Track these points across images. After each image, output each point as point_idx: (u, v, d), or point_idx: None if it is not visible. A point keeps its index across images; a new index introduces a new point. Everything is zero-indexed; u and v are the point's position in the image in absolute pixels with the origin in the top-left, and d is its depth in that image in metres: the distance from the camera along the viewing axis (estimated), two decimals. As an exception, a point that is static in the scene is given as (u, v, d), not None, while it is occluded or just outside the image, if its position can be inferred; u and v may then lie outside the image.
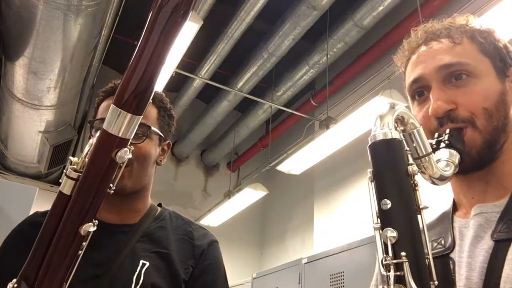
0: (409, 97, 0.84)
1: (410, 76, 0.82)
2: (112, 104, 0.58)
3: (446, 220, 0.80)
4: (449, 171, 0.69)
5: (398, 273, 0.55)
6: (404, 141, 0.63)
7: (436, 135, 0.74)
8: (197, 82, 5.06)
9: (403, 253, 0.56)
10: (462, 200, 0.80)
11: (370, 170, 0.62)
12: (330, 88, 4.85)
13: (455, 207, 0.82)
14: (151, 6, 0.56)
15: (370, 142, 0.63)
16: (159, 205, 1.20)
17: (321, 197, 5.25)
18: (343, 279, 3.05)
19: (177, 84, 5.31)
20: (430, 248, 0.60)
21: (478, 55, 0.77)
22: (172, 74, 3.44)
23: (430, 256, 0.58)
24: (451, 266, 0.73)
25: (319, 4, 3.98)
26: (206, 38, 4.12)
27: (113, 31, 4.01)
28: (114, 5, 3.39)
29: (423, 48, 0.81)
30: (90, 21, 3.15)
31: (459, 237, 0.75)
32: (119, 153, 0.60)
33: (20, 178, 5.42)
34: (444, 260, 0.74)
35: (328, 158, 4.38)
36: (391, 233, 0.57)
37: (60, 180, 0.65)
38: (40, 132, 4.42)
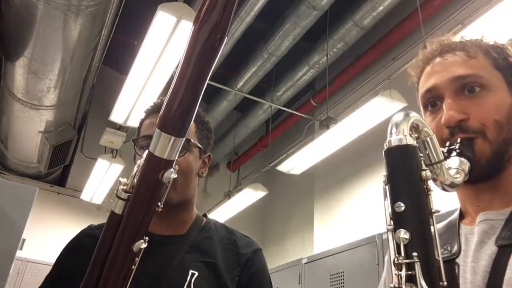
0: (421, 107, 0.86)
1: (424, 85, 0.84)
2: (156, 128, 0.63)
3: (453, 227, 0.83)
4: (459, 178, 0.72)
5: (410, 272, 0.58)
6: (418, 148, 0.66)
7: (447, 143, 0.76)
8: (197, 82, 5.06)
9: (414, 254, 0.58)
10: (468, 208, 0.82)
11: (384, 174, 0.65)
12: (330, 88, 4.85)
13: (461, 216, 0.84)
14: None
15: (385, 148, 0.65)
16: (204, 215, 1.24)
17: (321, 197, 5.25)
18: (343, 279, 3.06)
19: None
20: (440, 250, 0.62)
21: (491, 69, 0.79)
22: (172, 74, 3.44)
23: (440, 258, 0.61)
24: (456, 270, 0.75)
25: (319, 4, 3.98)
26: (206, 38, 4.12)
27: (113, 31, 4.01)
28: (114, 5, 3.39)
29: (438, 59, 0.83)
30: (90, 21, 3.15)
31: (465, 243, 0.77)
32: (165, 174, 0.65)
33: (20, 178, 5.42)
34: (450, 264, 0.76)
35: (328, 158, 4.38)
36: (404, 234, 0.59)
37: (112, 200, 0.71)
38: (40, 132, 4.42)
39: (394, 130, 0.65)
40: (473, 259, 0.73)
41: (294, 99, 5.52)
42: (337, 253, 3.21)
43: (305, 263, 3.52)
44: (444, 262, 0.76)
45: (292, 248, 5.88)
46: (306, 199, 5.63)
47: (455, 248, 0.78)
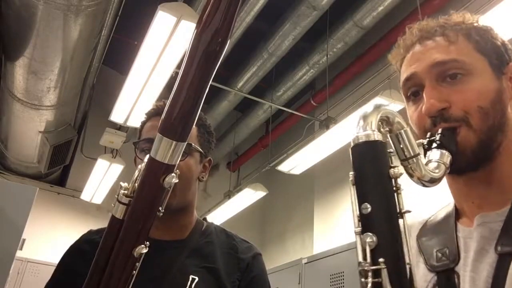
0: (404, 97, 0.82)
1: (403, 74, 0.80)
2: (158, 133, 0.62)
3: (449, 228, 0.77)
4: (440, 172, 0.66)
5: (376, 280, 0.53)
6: (387, 143, 0.61)
7: (428, 134, 0.72)
8: (197, 82, 5.06)
9: (381, 259, 0.53)
10: (463, 205, 0.77)
11: (351, 173, 0.60)
12: (330, 88, 4.85)
13: (457, 213, 0.78)
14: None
15: (352, 145, 0.61)
16: (204, 219, 1.25)
17: (321, 197, 5.25)
18: (343, 279, 3.05)
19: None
20: (411, 254, 0.57)
21: (474, 52, 0.75)
22: (172, 74, 3.44)
23: (412, 262, 0.57)
24: (456, 280, 0.70)
25: (319, 4, 3.98)
26: (206, 38, 4.12)
27: (113, 31, 4.01)
28: (114, 5, 3.40)
29: (417, 46, 0.79)
30: (90, 21, 3.15)
31: (464, 249, 0.72)
32: (166, 179, 0.64)
33: (20, 178, 5.42)
34: (449, 274, 0.72)
35: (328, 158, 4.37)
36: (370, 238, 0.55)
37: (112, 205, 0.70)
38: (40, 132, 4.42)
39: (361, 124, 0.61)
40: (473, 268, 0.68)
41: (294, 99, 5.52)
42: (337, 253, 3.21)
43: (305, 263, 3.52)
44: (443, 271, 0.72)
45: (292, 248, 5.88)
46: (306, 199, 5.63)
47: (454, 255, 0.73)
